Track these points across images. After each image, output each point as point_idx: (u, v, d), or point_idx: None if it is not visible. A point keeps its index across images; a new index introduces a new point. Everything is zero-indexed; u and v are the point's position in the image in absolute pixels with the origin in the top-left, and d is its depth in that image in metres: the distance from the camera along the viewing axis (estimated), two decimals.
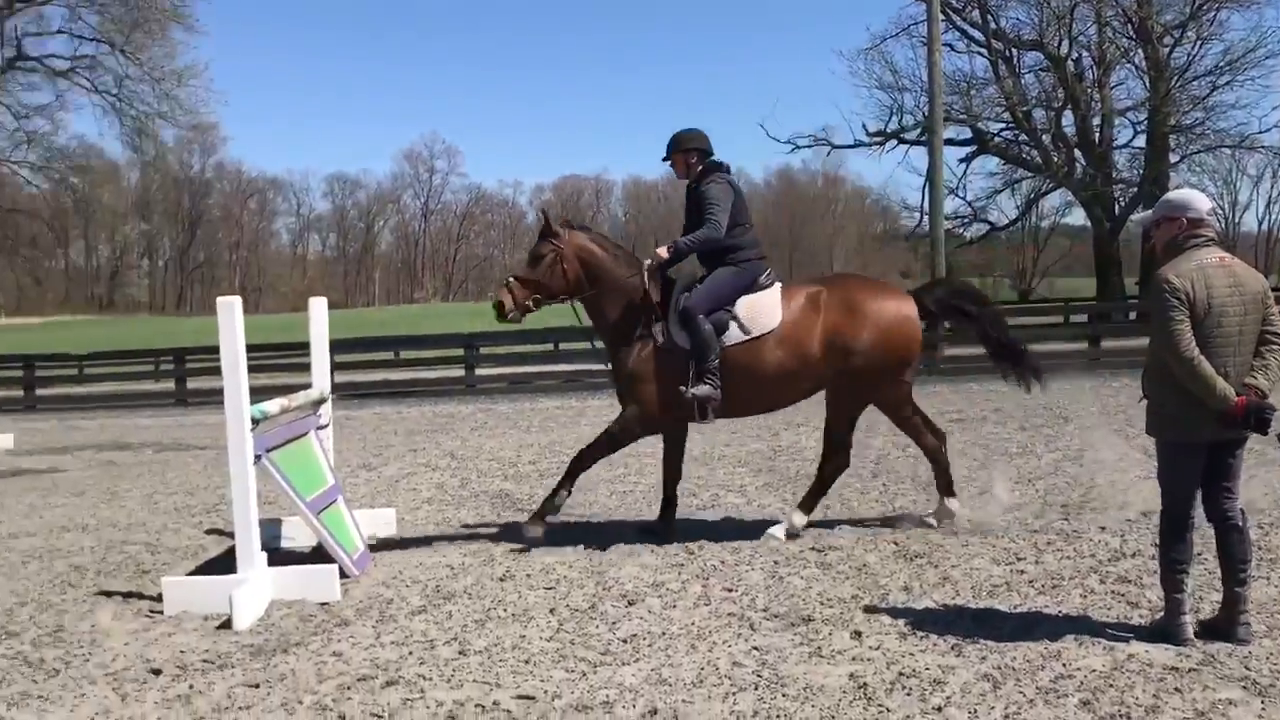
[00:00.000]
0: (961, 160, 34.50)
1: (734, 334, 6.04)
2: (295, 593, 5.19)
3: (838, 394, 6.22)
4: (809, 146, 34.65)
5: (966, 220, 36.41)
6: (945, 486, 6.40)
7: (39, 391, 21.54)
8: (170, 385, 21.46)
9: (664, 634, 4.43)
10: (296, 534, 6.30)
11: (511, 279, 6.30)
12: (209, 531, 7.16)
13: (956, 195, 34.72)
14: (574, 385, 18.81)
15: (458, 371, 20.04)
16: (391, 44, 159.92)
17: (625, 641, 4.35)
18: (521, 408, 15.93)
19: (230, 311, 5.12)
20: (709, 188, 6.16)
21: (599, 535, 6.29)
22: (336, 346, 13.06)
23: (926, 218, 29.56)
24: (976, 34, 32.68)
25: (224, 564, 5.64)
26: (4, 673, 4.32)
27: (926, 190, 28.09)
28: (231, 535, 6.07)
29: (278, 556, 5.40)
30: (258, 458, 5.25)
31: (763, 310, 6.09)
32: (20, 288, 54.27)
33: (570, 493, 6.36)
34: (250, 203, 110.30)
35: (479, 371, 19.86)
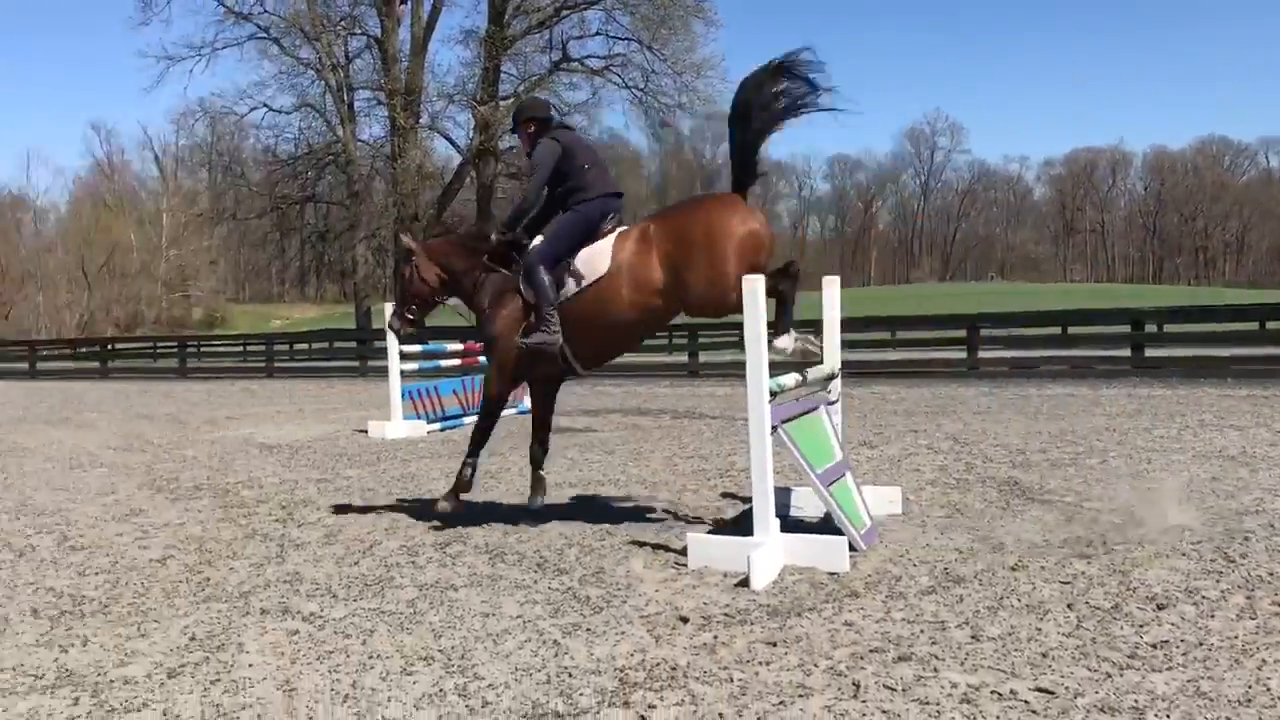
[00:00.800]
0: None
1: (570, 287, 6.01)
2: (805, 560, 5.39)
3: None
4: None
5: None
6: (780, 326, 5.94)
7: None
8: (684, 358, 23.12)
9: (1200, 644, 4.04)
10: (805, 504, 6.53)
11: (388, 306, 6.94)
12: (723, 494, 7.63)
13: None
14: (1084, 372, 17.71)
15: (959, 353, 19.62)
16: (895, 26, 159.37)
17: (1155, 647, 4.02)
18: (1028, 393, 15.26)
19: (754, 290, 5.40)
20: (534, 152, 6.18)
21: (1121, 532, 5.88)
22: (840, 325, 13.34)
23: None
24: None
25: (739, 525, 5.97)
26: (558, 605, 4.90)
27: None
28: (743, 499, 6.44)
29: (788, 524, 5.61)
30: (774, 428, 5.49)
31: (594, 257, 5.96)
32: None
33: (474, 468, 6.61)
34: (755, 186, 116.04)
35: (981, 354, 19.30)
